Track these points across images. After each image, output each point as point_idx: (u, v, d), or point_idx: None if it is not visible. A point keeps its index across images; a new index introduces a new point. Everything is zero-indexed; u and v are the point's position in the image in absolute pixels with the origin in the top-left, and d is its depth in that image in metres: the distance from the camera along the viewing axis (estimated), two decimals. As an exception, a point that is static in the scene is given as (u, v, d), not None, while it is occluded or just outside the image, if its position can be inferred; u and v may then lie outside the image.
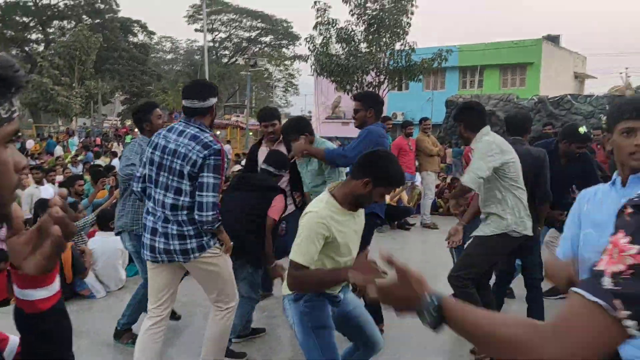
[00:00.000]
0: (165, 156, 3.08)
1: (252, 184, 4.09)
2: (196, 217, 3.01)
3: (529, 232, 3.70)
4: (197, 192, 3.00)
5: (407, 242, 8.15)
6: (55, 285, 0.96)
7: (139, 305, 4.06)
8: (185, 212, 3.05)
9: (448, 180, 10.87)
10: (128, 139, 20.96)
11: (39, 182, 7.89)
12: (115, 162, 11.91)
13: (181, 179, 3.03)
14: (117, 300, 5.17)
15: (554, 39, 30.38)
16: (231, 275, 3.33)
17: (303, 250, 2.44)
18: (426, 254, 7.39)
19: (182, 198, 3.04)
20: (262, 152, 4.59)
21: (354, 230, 2.67)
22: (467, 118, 3.76)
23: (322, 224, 2.45)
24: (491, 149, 3.54)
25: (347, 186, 2.57)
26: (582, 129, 4.60)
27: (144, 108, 4.28)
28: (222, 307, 3.31)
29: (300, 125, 4.24)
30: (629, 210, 0.88)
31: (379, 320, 4.01)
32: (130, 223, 4.06)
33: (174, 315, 4.38)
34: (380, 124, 4.16)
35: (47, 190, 7.60)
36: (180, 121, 3.20)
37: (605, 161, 7.63)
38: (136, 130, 5.79)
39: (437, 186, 9.99)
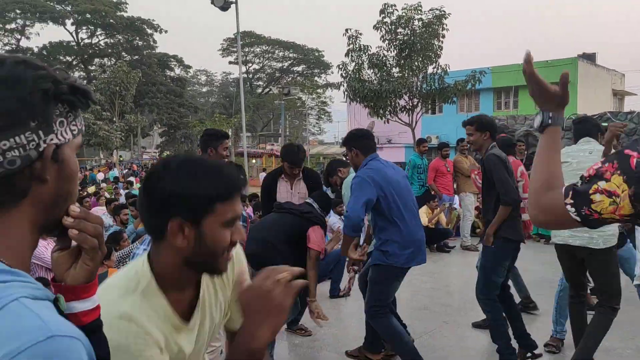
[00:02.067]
0: None
1: (295, 209, 4.14)
2: None
3: None
4: None
5: (447, 264, 8.04)
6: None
7: None
8: None
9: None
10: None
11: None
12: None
13: None
14: (162, 325, 5.25)
15: (589, 57, 29.91)
16: None
17: None
18: (467, 276, 7.25)
19: None
20: (284, 187, 4.75)
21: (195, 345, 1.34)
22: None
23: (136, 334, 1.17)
24: None
25: (161, 257, 1.24)
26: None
27: (217, 134, 4.14)
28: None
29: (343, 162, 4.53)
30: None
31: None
32: None
33: None
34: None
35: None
36: None
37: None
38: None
39: (476, 208, 9.84)
